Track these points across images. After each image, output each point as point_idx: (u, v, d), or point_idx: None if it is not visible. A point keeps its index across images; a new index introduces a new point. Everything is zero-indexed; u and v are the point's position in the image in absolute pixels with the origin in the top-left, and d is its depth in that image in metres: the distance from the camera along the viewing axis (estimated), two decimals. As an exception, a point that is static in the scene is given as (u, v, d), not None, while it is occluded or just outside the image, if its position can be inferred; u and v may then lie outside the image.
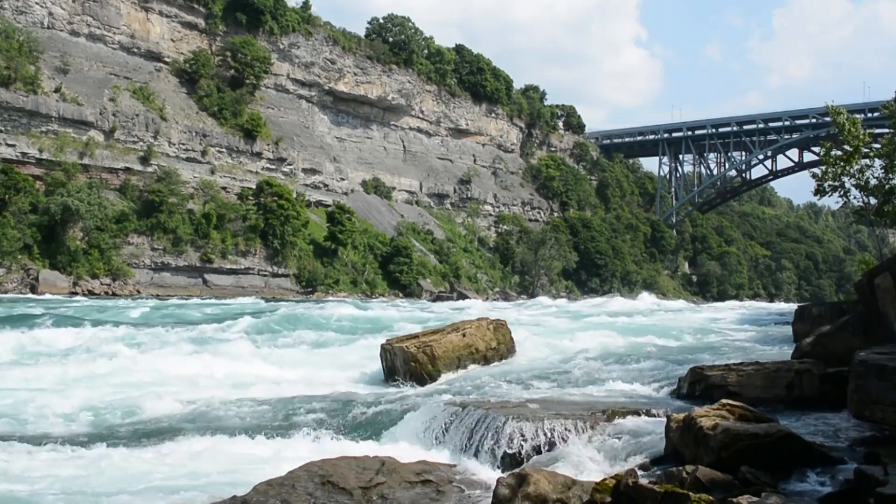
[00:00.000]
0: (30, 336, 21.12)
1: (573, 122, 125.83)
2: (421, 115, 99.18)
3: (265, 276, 68.35)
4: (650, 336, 23.57)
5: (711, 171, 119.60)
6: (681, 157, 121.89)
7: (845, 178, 24.48)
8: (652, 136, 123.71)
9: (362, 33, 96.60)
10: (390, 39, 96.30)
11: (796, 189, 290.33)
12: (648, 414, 9.93)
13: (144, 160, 64.61)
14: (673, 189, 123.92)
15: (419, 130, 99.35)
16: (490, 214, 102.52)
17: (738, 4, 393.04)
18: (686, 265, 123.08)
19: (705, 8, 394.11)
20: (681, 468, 6.69)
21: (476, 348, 16.60)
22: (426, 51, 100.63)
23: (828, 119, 38.56)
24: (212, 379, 15.58)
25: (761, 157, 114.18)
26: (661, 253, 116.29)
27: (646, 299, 67.49)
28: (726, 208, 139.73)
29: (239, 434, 10.88)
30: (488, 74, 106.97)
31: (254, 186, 71.06)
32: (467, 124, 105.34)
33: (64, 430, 11.39)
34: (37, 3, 63.55)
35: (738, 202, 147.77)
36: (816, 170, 27.91)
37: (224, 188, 69.96)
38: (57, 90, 60.18)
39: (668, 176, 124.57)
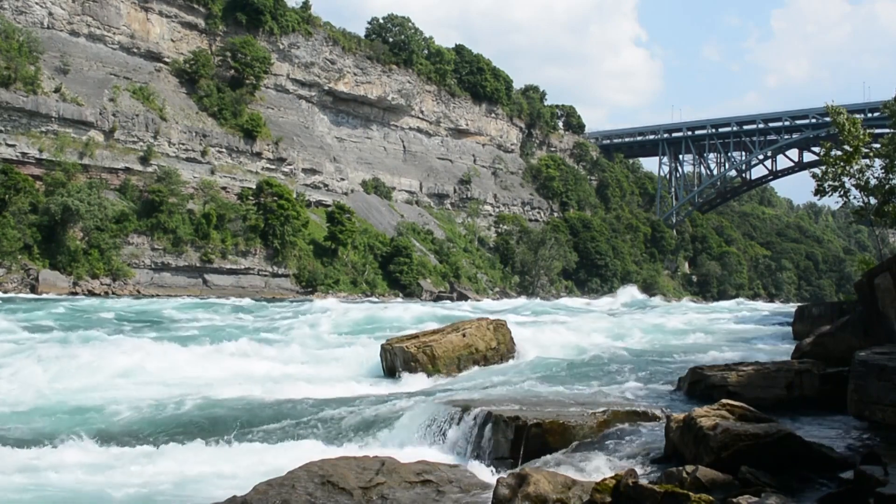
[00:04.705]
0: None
1: (573, 122, 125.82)
2: (421, 116, 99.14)
3: (265, 276, 68.34)
4: (649, 336, 23.61)
5: (711, 171, 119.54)
6: (681, 157, 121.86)
7: (845, 178, 24.55)
8: (652, 136, 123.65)
9: (362, 33, 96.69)
10: (390, 40, 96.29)
11: (796, 189, 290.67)
12: (648, 414, 9.92)
13: (144, 160, 64.59)
14: (673, 189, 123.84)
15: (419, 130, 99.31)
16: (490, 214, 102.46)
17: (736, 5, 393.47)
18: (686, 265, 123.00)
19: (703, 8, 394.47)
20: (681, 468, 6.68)
21: (476, 348, 16.59)
22: (426, 51, 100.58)
23: (828, 119, 38.54)
24: (212, 378, 15.56)
25: (761, 157, 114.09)
26: (661, 253, 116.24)
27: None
28: (726, 208, 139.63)
29: (238, 433, 10.87)
30: (488, 74, 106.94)
31: (254, 186, 71.04)
32: (467, 124, 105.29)
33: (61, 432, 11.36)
34: (37, 3, 63.54)
35: (738, 202, 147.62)
36: (816, 170, 27.95)
37: (224, 188, 69.93)
38: (57, 90, 60.16)
39: (668, 176, 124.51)
